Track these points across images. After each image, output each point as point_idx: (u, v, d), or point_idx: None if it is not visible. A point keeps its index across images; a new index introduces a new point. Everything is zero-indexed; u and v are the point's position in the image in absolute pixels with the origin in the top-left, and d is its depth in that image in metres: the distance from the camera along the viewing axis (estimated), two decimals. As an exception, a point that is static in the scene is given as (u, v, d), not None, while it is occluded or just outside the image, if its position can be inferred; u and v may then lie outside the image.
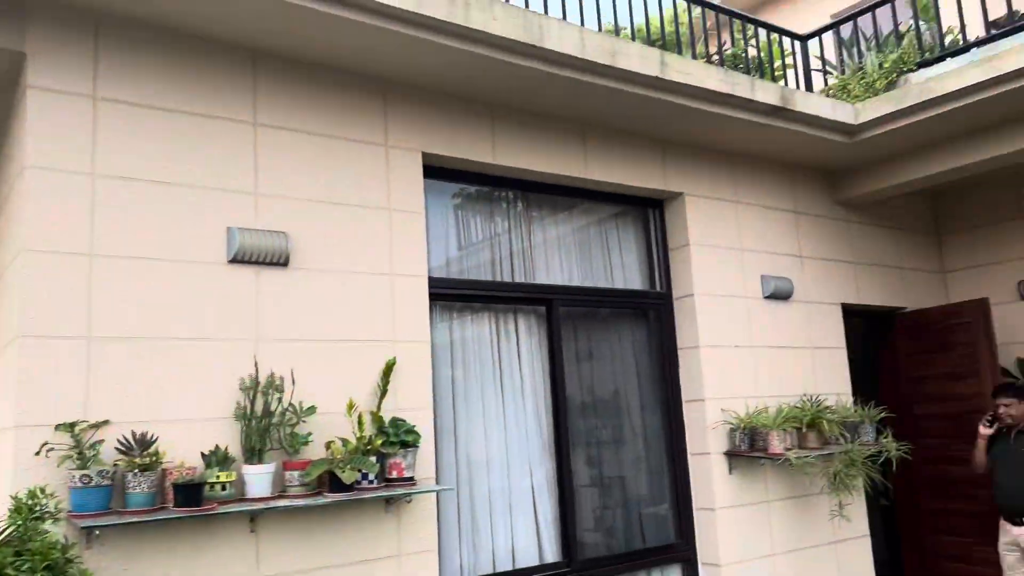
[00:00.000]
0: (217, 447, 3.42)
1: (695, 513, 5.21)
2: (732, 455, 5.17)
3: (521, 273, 4.98)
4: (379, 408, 3.91)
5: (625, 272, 5.45)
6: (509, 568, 4.53)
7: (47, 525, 2.86)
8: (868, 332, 6.99)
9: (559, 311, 4.94)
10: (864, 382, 6.93)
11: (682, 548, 5.16)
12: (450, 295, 4.57)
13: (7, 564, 2.67)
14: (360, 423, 3.79)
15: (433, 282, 4.34)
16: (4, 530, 2.79)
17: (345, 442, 3.70)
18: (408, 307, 4.15)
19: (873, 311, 6.64)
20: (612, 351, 5.30)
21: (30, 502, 2.82)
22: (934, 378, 6.38)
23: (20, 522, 2.76)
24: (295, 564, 3.60)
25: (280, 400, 3.62)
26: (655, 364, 5.41)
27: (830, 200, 6.31)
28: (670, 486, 5.26)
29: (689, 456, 5.28)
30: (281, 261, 3.76)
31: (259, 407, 3.56)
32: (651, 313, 5.45)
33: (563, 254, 5.21)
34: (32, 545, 2.72)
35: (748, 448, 5.13)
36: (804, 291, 5.92)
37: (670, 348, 5.39)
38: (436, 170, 4.54)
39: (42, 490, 2.89)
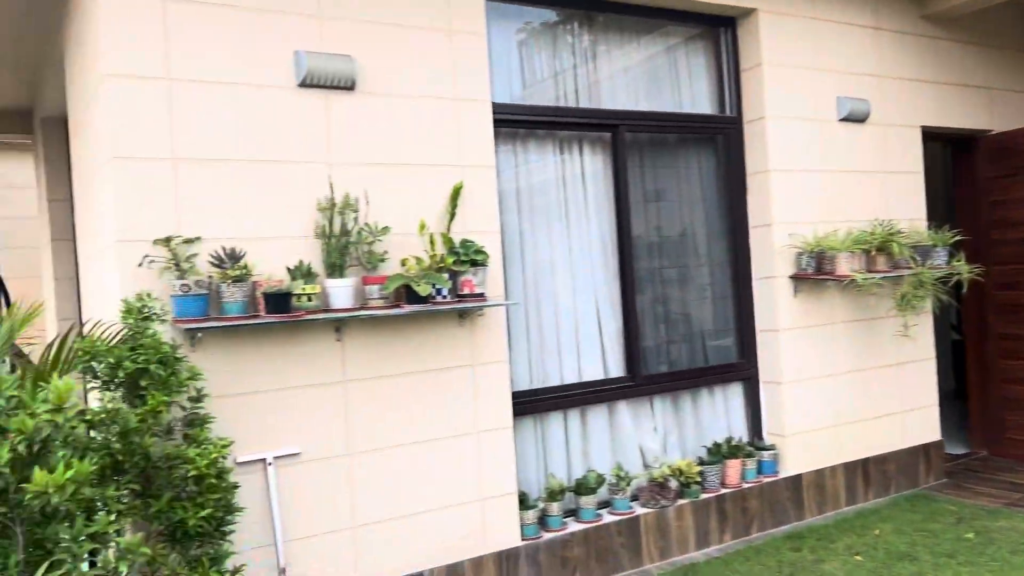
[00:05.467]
0: (301, 262, 3.65)
1: (758, 335, 5.34)
2: (798, 278, 5.21)
3: (587, 99, 4.95)
4: (448, 230, 4.06)
5: (694, 96, 5.34)
6: (575, 380, 4.79)
7: (155, 326, 3.17)
8: (947, 157, 6.73)
9: (624, 137, 4.92)
10: (940, 209, 6.76)
11: (744, 367, 5.33)
12: (514, 121, 4.58)
13: (125, 358, 2.99)
14: (432, 243, 3.96)
15: (497, 108, 4.36)
16: (119, 331, 3.11)
17: (419, 260, 3.89)
18: (472, 132, 4.21)
19: (954, 134, 6.37)
20: (679, 177, 5.29)
21: (139, 304, 3.11)
22: (1014, 203, 6.17)
23: (132, 321, 3.07)
24: (377, 370, 3.90)
25: (356, 220, 3.80)
26: (723, 189, 5.38)
27: (915, 14, 5.93)
28: (734, 309, 5.37)
29: (754, 280, 5.35)
30: (348, 85, 3.83)
31: (337, 227, 3.75)
32: (720, 138, 5.37)
33: (630, 80, 5.12)
34: (144, 341, 3.03)
35: (815, 271, 5.15)
36: (881, 113, 5.70)
37: (738, 173, 5.34)
38: (498, -10, 4.46)
39: (148, 295, 3.18)
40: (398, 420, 3.95)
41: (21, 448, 2.28)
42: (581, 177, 4.91)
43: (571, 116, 4.80)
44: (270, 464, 3.60)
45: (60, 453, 2.44)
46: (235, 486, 3.17)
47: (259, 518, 3.55)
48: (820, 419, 5.33)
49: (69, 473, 2.28)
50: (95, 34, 3.48)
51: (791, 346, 5.23)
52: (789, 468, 5.19)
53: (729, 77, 5.36)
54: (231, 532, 3.14)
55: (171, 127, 3.46)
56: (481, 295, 4.03)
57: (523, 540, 4.27)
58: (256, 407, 3.61)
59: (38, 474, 2.25)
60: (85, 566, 2.39)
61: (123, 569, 2.44)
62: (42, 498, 2.26)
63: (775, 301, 5.20)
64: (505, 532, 4.21)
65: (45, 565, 2.27)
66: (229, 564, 3.10)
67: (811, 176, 5.35)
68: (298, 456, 3.69)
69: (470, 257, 4.02)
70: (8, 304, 7.23)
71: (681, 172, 5.32)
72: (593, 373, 4.86)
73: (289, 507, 3.65)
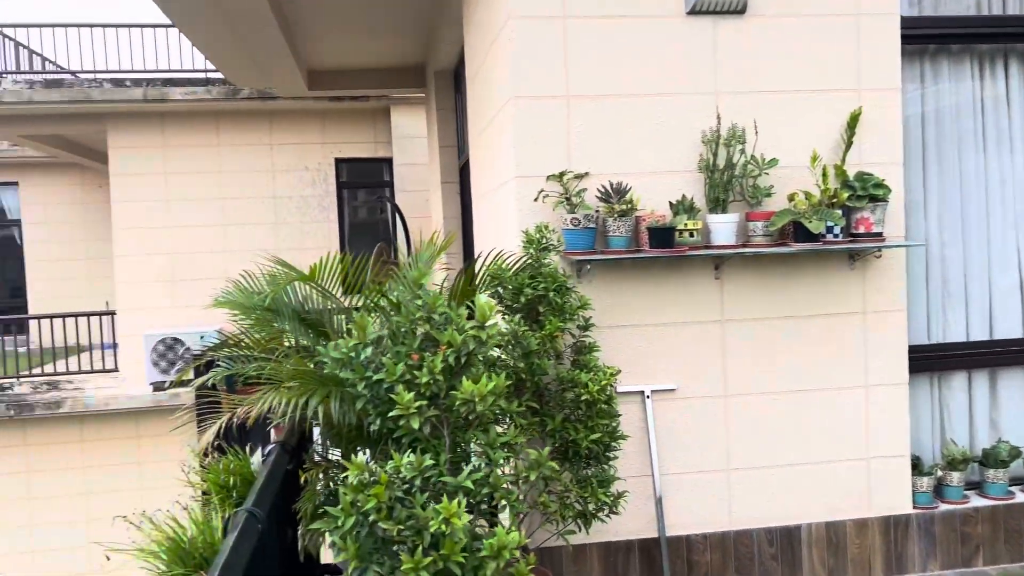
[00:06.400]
0: (684, 197, 3.58)
1: None
2: None
3: (1016, 5, 4.15)
4: (843, 161, 3.70)
5: None
6: (985, 338, 4.15)
7: (550, 257, 3.33)
8: None
9: (1069, 47, 4.05)
10: None
11: None
12: (924, 36, 4.01)
13: (525, 285, 3.18)
14: (824, 176, 3.64)
15: (904, 21, 3.83)
16: (520, 258, 3.32)
17: (808, 195, 3.60)
18: (875, 51, 3.75)
19: None
20: None
21: (538, 236, 3.28)
22: None
23: (532, 251, 3.25)
24: (756, 311, 3.73)
25: (742, 152, 3.62)
26: None
27: None
28: None
29: None
30: (738, 8, 3.62)
31: (721, 159, 3.61)
32: None
33: (1077, -25, 4.19)
34: (543, 271, 3.20)
35: None
36: None
37: None
38: None
39: (546, 226, 3.34)
40: (776, 365, 3.75)
41: (451, 359, 2.53)
42: (1005, 99, 4.16)
43: (999, 26, 4.07)
44: (648, 397, 3.64)
45: (476, 367, 2.66)
46: (619, 414, 3.25)
47: (636, 449, 3.62)
48: None
49: (490, 385, 2.47)
50: (499, -21, 3.68)
51: None
52: None
53: None
54: (615, 458, 3.24)
55: (565, 65, 3.55)
56: (879, 235, 3.62)
57: (915, 508, 3.85)
58: (634, 340, 3.65)
59: (466, 383, 2.47)
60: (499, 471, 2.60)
61: (532, 476, 2.62)
62: (468, 405, 2.49)
63: None
64: (894, 497, 3.82)
65: (469, 467, 2.51)
66: (613, 488, 3.20)
67: None
68: (674, 392, 3.68)
69: (868, 192, 3.63)
70: (408, 238, 8.26)
71: None
72: (1009, 330, 4.17)
73: (664, 441, 3.67)
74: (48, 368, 10.85)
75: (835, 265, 3.75)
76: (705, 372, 3.71)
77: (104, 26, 10.74)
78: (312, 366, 2.97)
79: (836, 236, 3.57)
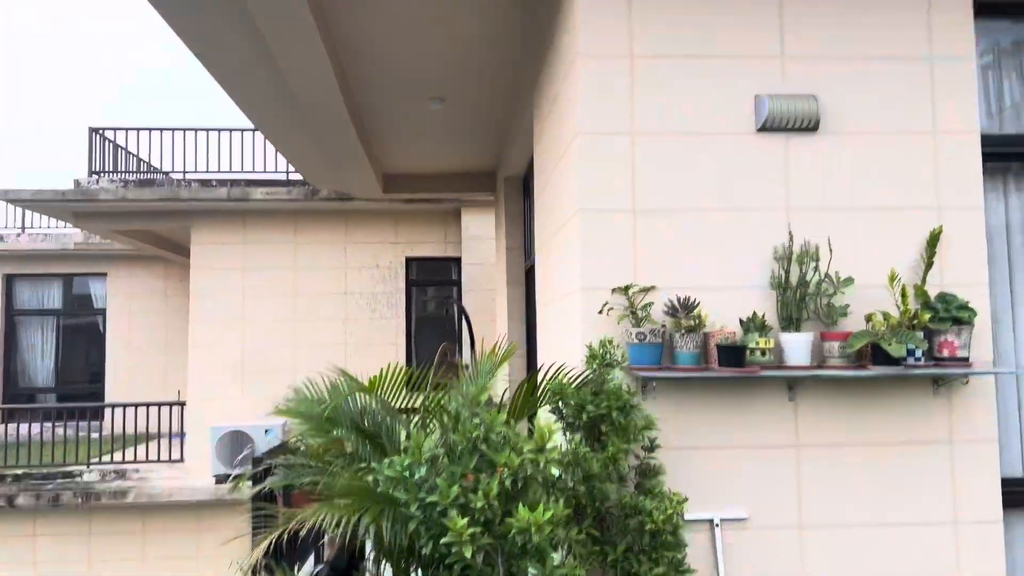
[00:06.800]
0: (755, 314, 3.46)
1: None
2: None
3: (1105, 122, 4.00)
4: (923, 282, 3.54)
5: None
6: (1089, 474, 3.83)
7: (614, 372, 3.24)
8: None
9: None
10: None
11: None
12: (1006, 154, 3.88)
13: (588, 402, 3.09)
14: (903, 296, 3.48)
15: (985, 140, 3.72)
16: (582, 373, 3.24)
17: (886, 316, 3.44)
18: (955, 169, 3.64)
19: None
20: None
21: (602, 351, 3.20)
22: None
23: (595, 366, 3.17)
24: (833, 437, 3.52)
25: (816, 270, 3.50)
26: None
27: None
28: None
29: None
30: (810, 126, 3.58)
31: (794, 277, 3.50)
32: None
33: None
34: (606, 387, 3.11)
35: None
36: None
37: None
38: (989, 7, 3.83)
39: (610, 341, 3.27)
40: (856, 496, 3.50)
41: (507, 482, 2.43)
42: (1098, 219, 3.96)
43: (1087, 144, 3.92)
44: (717, 526, 3.43)
45: (533, 491, 2.56)
46: (686, 545, 3.07)
47: (703, 581, 3.40)
48: None
49: (548, 514, 2.36)
50: (572, 97, 3.75)
51: None
52: None
53: None
54: (680, 593, 3.03)
55: (632, 179, 3.55)
56: (965, 360, 3.42)
57: (1016, 665, 3.48)
58: (702, 463, 3.48)
59: (522, 511, 2.37)
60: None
61: (590, 616, 2.46)
62: (524, 535, 2.38)
63: None
64: (991, 649, 3.47)
65: (523, 600, 2.37)
66: (678, 626, 2.98)
67: None
68: (745, 521, 3.46)
69: (951, 314, 3.45)
70: (472, 340, 8.26)
71: None
72: (1115, 465, 3.83)
73: (734, 575, 3.43)
74: (118, 456, 11.05)
75: (918, 390, 3.54)
76: (779, 500, 3.49)
77: (195, 130, 11.41)
78: (368, 480, 2.91)
79: (918, 359, 3.38)
